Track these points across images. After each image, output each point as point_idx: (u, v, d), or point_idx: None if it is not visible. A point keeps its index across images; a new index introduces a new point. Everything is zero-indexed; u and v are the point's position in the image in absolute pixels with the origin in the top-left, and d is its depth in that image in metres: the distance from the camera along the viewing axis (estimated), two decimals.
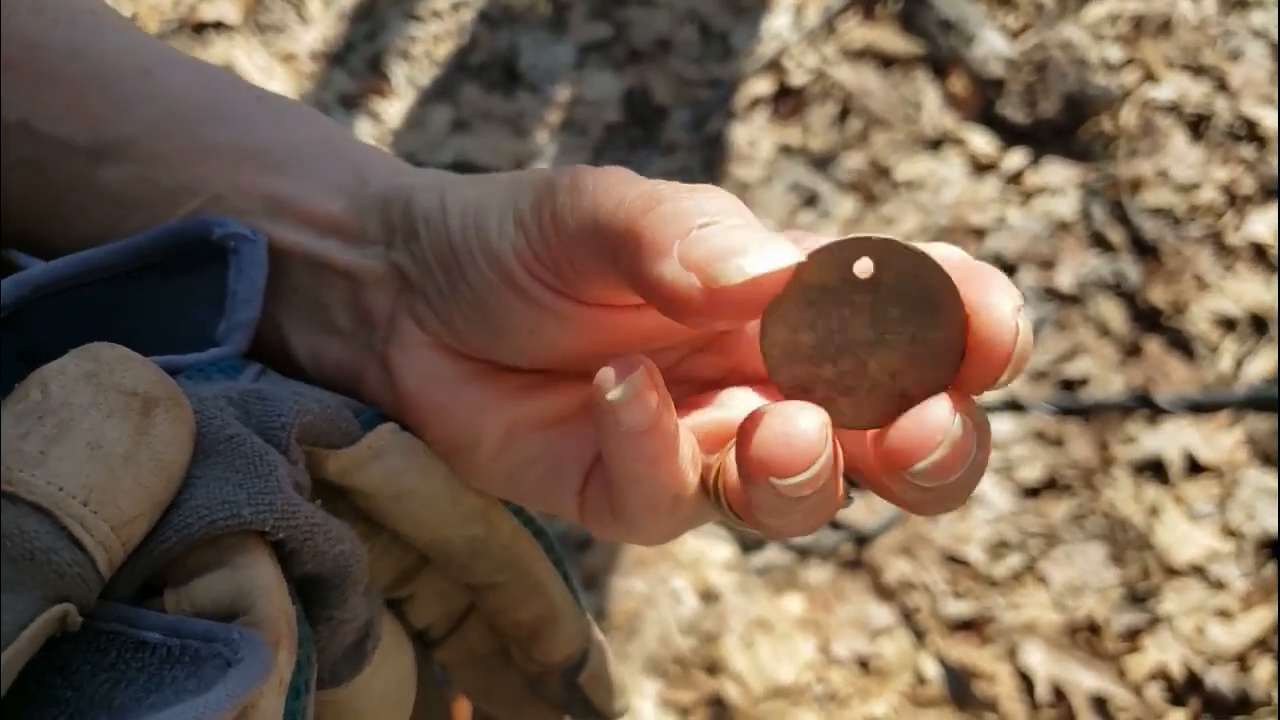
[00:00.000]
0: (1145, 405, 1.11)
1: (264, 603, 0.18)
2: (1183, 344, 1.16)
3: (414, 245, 0.25)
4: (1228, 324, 1.17)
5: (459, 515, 0.25)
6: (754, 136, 1.29)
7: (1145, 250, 1.21)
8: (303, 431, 0.21)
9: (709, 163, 1.27)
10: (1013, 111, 1.28)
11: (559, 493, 0.26)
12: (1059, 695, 0.97)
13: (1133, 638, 1.00)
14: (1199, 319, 1.17)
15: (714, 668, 0.98)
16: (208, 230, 0.24)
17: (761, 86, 1.32)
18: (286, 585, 0.19)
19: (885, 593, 1.02)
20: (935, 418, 0.20)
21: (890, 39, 1.33)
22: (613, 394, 0.21)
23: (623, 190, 0.21)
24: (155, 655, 0.17)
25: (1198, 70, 1.32)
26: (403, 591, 0.26)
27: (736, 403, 0.25)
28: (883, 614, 1.01)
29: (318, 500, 0.21)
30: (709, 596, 1.02)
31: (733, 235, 0.20)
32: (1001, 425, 1.11)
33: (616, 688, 0.28)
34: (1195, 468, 1.09)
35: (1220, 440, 1.10)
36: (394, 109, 1.32)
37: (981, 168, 1.27)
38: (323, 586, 0.20)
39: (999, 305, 0.20)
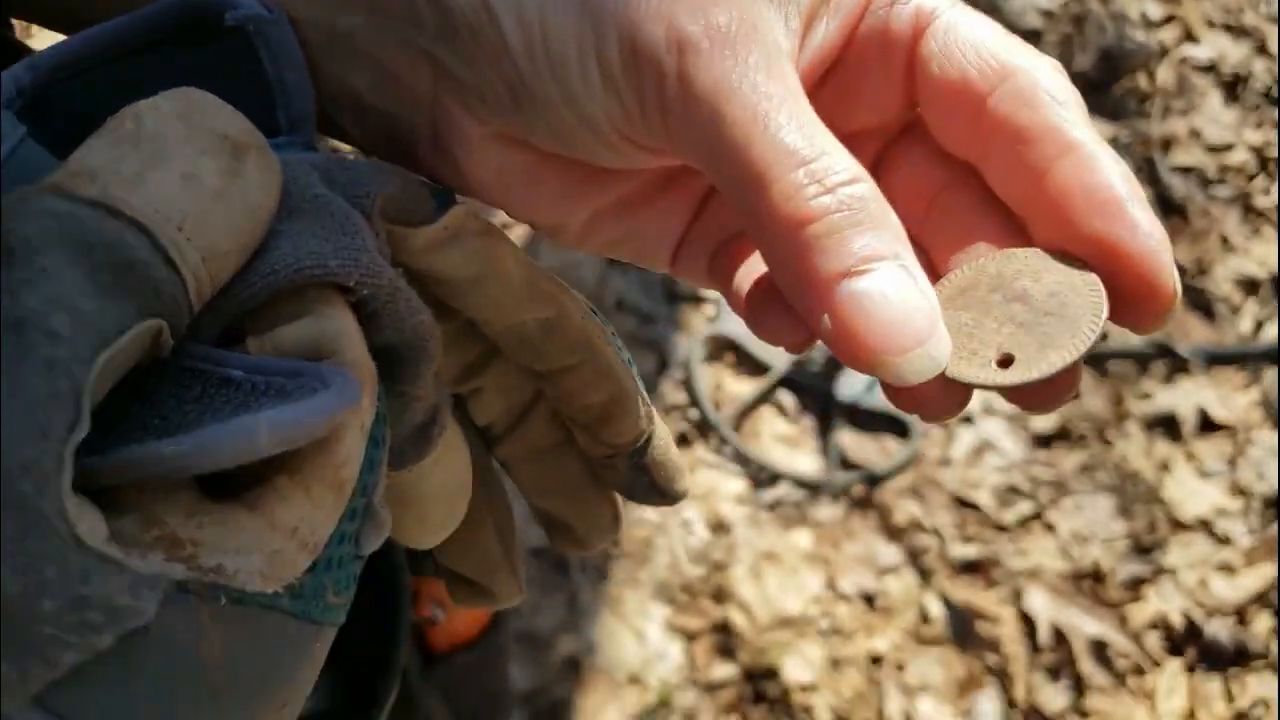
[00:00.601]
0: (1165, 355, 1.11)
1: (348, 348, 0.18)
2: (1204, 304, 1.16)
3: (458, 47, 0.23)
4: (1250, 286, 1.17)
5: (534, 298, 0.24)
6: None
7: (1172, 209, 1.21)
8: (385, 203, 0.21)
9: None
10: None
11: (650, 260, 0.26)
12: (1060, 639, 0.99)
13: (1135, 587, 1.02)
14: (1222, 280, 1.17)
15: (721, 596, 1.00)
16: (220, 9, 0.23)
17: None
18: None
19: (894, 533, 1.04)
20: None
21: None
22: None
23: (751, 135, 0.20)
24: (240, 390, 0.17)
25: (1238, 31, 1.31)
26: (467, 386, 0.26)
27: None
28: (890, 553, 1.03)
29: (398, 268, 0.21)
30: (719, 528, 1.04)
31: (889, 311, 0.19)
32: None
33: (678, 469, 0.28)
34: (1208, 425, 1.09)
35: (1235, 400, 1.11)
36: None
37: None
38: (398, 358, 0.20)
39: (1160, 292, 0.20)
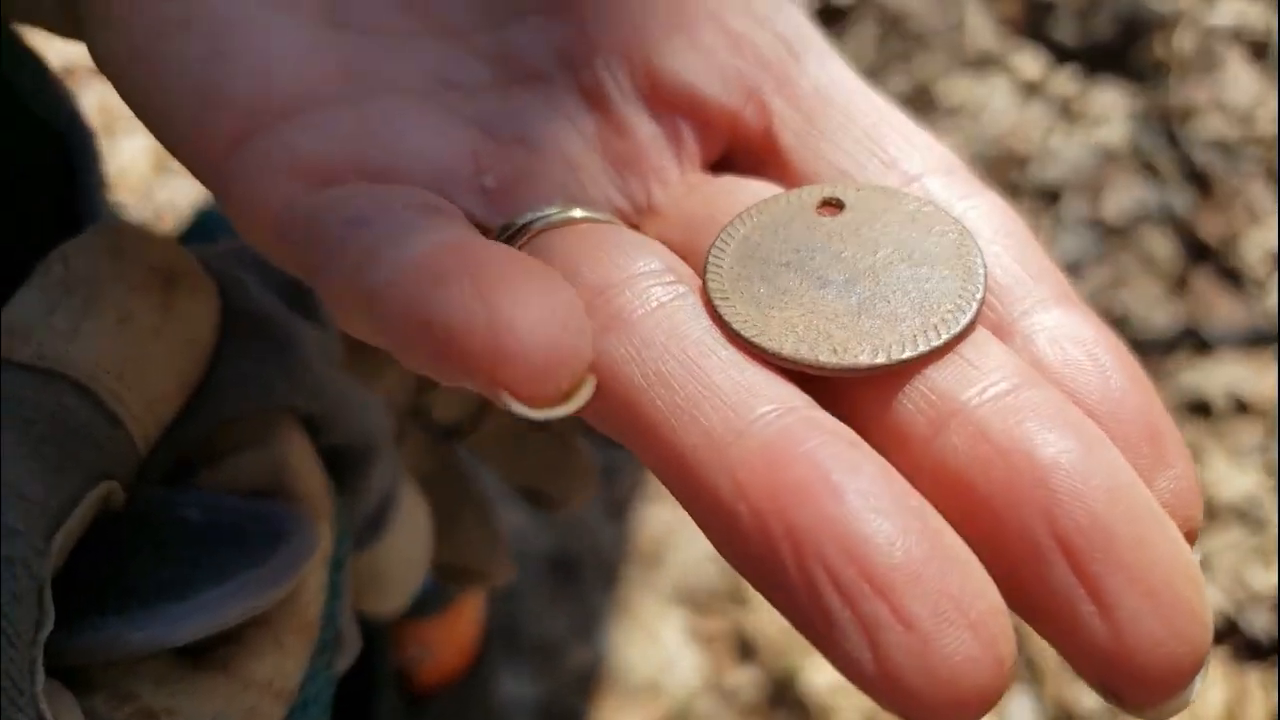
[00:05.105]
0: (1192, 339, 1.07)
1: (302, 479, 0.18)
2: (1231, 278, 1.12)
3: None
4: (1278, 258, 1.13)
5: None
6: None
7: (1195, 180, 1.17)
8: None
9: None
10: (1063, 33, 1.23)
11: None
12: None
13: None
14: (1248, 253, 1.13)
15: (741, 598, 0.97)
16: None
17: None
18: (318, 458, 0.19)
19: None
20: None
21: None
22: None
23: None
24: (199, 536, 0.16)
25: None
26: (424, 397, 0.26)
27: None
28: None
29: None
30: None
31: None
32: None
33: None
34: (1240, 407, 1.06)
35: (1266, 379, 1.07)
36: None
37: (1028, 92, 1.22)
38: (349, 456, 0.20)
39: None
